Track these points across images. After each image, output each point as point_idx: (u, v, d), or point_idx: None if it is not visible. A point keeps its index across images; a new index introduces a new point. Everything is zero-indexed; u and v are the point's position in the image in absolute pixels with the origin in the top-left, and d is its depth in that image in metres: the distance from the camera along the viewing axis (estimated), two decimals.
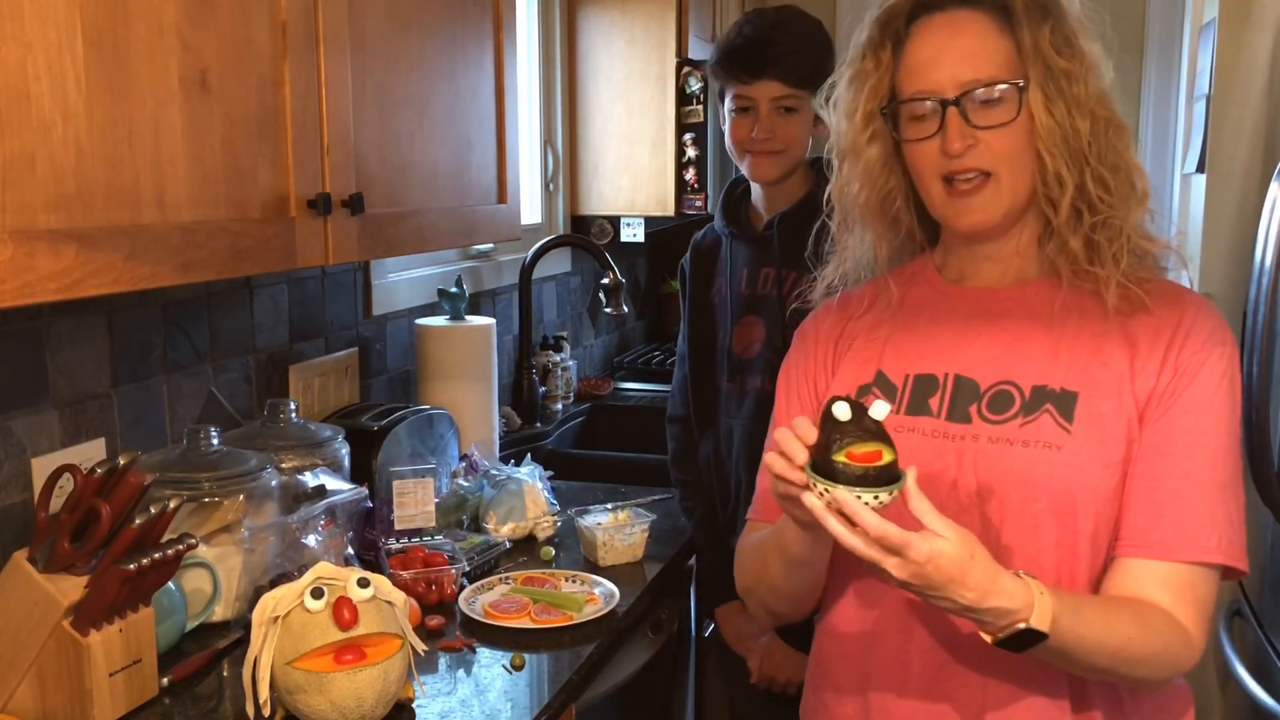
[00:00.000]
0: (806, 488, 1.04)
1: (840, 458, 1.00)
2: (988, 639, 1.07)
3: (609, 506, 1.97)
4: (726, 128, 1.97)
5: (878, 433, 1.02)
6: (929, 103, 1.18)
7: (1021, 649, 1.06)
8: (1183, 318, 1.18)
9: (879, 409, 1.03)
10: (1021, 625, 1.04)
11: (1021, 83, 1.16)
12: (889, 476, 1.01)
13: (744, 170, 1.98)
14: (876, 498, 1.00)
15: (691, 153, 3.07)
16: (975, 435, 1.20)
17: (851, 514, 1.00)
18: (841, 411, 1.02)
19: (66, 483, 1.31)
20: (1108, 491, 1.15)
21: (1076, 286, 1.21)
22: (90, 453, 1.57)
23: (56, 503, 1.32)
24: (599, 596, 1.71)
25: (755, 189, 2.02)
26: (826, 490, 1.01)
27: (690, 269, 2.12)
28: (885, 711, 1.24)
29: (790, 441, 1.06)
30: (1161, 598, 1.12)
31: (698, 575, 2.12)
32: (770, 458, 1.08)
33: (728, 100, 1.96)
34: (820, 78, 1.90)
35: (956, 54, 1.17)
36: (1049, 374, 1.19)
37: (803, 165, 1.96)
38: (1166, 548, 1.13)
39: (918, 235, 1.33)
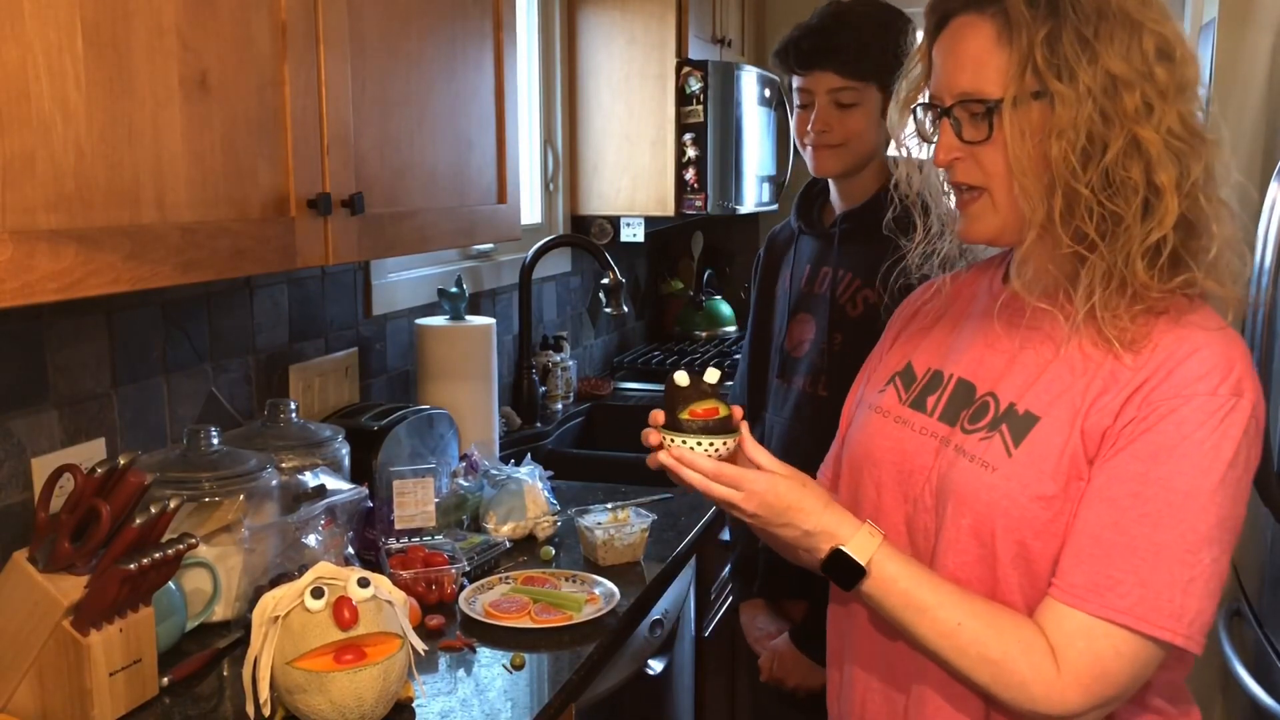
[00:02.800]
0: (663, 449, 1.18)
1: (685, 415, 1.18)
2: (819, 569, 1.16)
3: (609, 506, 1.97)
4: (792, 124, 1.95)
5: (713, 393, 1.19)
6: (931, 108, 1.18)
7: (844, 580, 1.14)
8: (1171, 356, 1.08)
9: (710, 374, 1.20)
10: (840, 547, 1.14)
11: (990, 102, 1.10)
12: (727, 428, 1.18)
13: (807, 164, 1.94)
14: (713, 445, 1.17)
15: (691, 153, 3.07)
16: (950, 439, 1.20)
17: (690, 462, 1.16)
18: (682, 379, 1.19)
19: (66, 483, 1.31)
20: (1036, 523, 1.11)
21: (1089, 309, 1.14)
22: (90, 453, 1.57)
23: (56, 503, 1.32)
24: (599, 596, 1.71)
25: (832, 185, 1.98)
26: (672, 441, 1.18)
27: (762, 262, 2.11)
28: (852, 681, 1.31)
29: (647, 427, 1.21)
30: (1054, 638, 1.08)
31: (731, 568, 2.14)
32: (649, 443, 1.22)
33: (794, 94, 1.93)
34: (887, 70, 1.77)
35: (955, 63, 1.14)
36: (1024, 394, 1.15)
37: (877, 162, 1.90)
38: (1073, 593, 1.08)
39: None
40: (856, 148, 1.87)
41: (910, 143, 1.26)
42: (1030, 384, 1.16)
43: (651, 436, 1.20)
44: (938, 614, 1.11)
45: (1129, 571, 1.06)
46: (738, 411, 1.21)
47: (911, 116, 1.23)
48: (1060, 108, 1.07)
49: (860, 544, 1.14)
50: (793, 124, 1.94)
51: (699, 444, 1.17)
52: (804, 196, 2.05)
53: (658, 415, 1.20)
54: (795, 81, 1.90)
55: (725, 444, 1.18)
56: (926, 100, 1.20)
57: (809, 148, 1.90)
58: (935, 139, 1.18)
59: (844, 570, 1.14)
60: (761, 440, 2.00)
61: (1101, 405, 1.10)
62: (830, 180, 1.96)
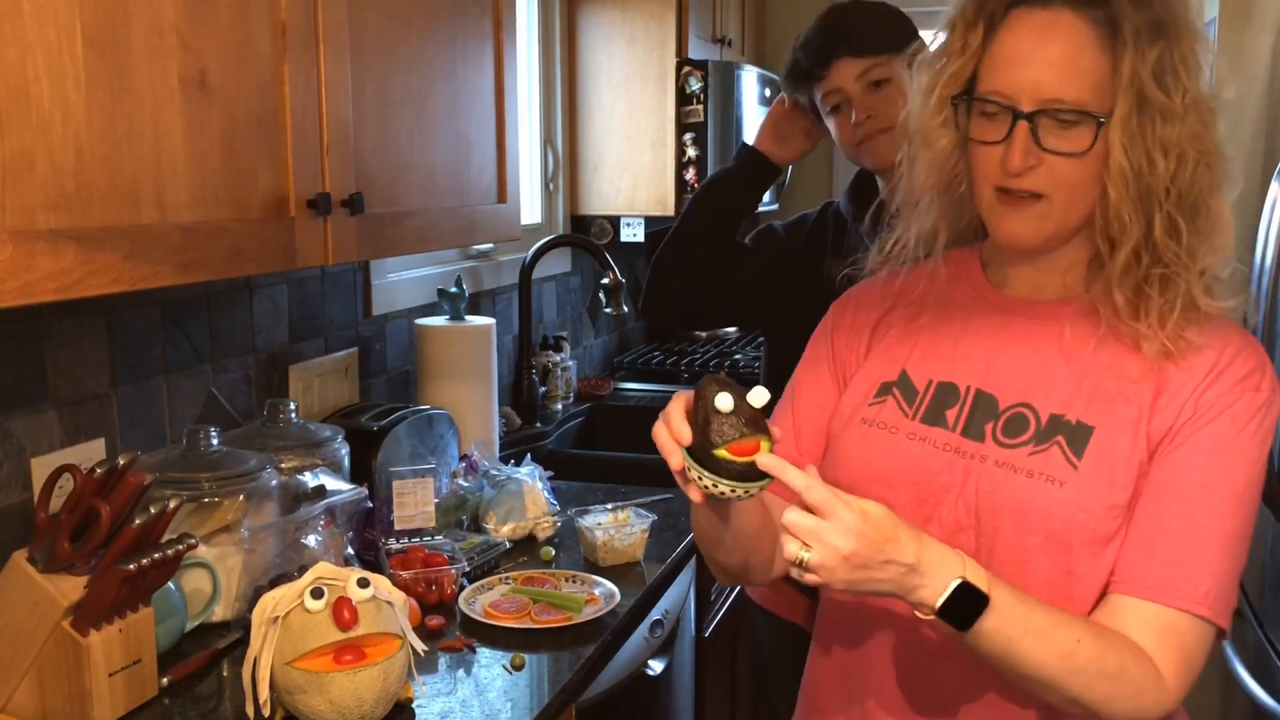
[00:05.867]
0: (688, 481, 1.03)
1: (722, 453, 1.00)
2: (928, 613, 1.02)
3: (609, 506, 1.97)
4: (834, 136, 1.84)
5: (757, 421, 1.01)
6: (1002, 108, 1.09)
7: (965, 618, 1.01)
8: (1220, 357, 1.11)
9: (757, 396, 1.02)
10: (959, 579, 1.00)
11: (1103, 118, 1.06)
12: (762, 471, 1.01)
13: (868, 166, 1.85)
14: (748, 490, 1.00)
15: (691, 153, 3.07)
16: (984, 456, 1.14)
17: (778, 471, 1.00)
18: (724, 404, 1.00)
19: (66, 483, 1.31)
20: (1107, 534, 1.09)
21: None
22: (90, 453, 1.57)
23: (56, 503, 1.32)
24: (599, 596, 1.71)
25: (878, 178, 1.85)
26: (700, 478, 1.00)
27: (799, 248, 1.96)
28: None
29: (664, 438, 1.04)
30: (1143, 638, 1.06)
31: None
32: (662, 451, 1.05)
33: (821, 108, 1.83)
34: (903, 40, 1.70)
35: (1044, 63, 1.07)
36: (1069, 403, 1.12)
37: None
38: (1152, 588, 1.07)
39: (979, 224, 1.22)
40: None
41: (937, 138, 1.17)
42: (1072, 393, 1.13)
43: (673, 460, 1.03)
44: (1055, 635, 1.04)
45: (1204, 562, 1.08)
46: (778, 434, 1.05)
47: (951, 109, 1.15)
48: (1162, 126, 1.06)
49: (975, 571, 1.02)
50: (835, 137, 1.83)
51: (730, 489, 1.00)
52: (856, 184, 1.95)
53: (683, 432, 1.03)
54: (818, 91, 1.81)
55: (759, 488, 1.02)
56: (988, 98, 1.10)
57: (861, 143, 1.79)
58: (993, 139, 1.10)
59: (967, 606, 1.01)
60: None
61: (1161, 408, 1.11)
62: (876, 174, 1.85)
